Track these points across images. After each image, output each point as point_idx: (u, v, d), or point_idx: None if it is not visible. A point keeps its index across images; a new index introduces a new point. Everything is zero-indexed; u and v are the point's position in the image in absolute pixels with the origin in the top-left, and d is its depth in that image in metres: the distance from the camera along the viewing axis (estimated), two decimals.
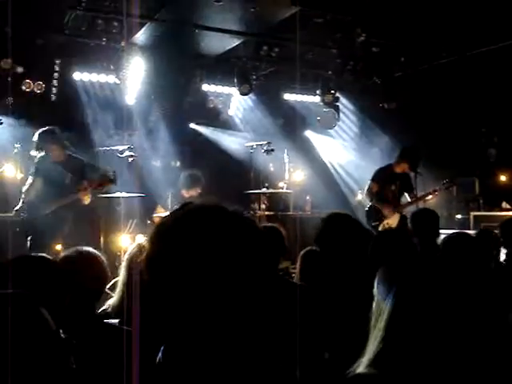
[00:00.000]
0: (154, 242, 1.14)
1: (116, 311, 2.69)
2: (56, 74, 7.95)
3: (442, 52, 8.19)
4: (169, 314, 1.10)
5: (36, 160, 6.18)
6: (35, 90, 7.84)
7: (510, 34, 7.10)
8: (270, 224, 4.73)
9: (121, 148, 6.90)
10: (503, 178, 9.15)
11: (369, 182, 7.16)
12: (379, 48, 7.99)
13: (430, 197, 6.84)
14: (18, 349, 1.22)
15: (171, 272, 1.09)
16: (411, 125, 8.76)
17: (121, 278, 2.77)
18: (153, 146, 8.95)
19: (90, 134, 8.30)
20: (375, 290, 1.60)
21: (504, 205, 8.40)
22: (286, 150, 8.88)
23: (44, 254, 2.10)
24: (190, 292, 1.07)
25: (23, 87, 7.82)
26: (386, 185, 7.03)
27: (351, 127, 10.26)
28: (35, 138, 6.03)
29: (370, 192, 7.15)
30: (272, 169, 9.31)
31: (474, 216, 8.23)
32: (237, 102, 9.76)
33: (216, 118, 9.69)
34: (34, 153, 6.19)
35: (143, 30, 7.30)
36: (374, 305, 1.58)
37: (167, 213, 5.66)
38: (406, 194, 7.09)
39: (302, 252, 3.83)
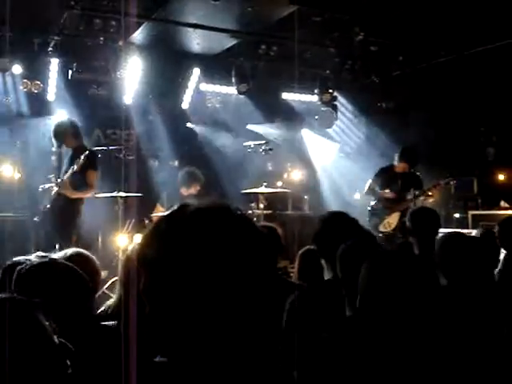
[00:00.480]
0: (149, 243, 1.13)
1: (115, 312, 2.67)
2: (53, 74, 7.93)
3: (440, 51, 8.18)
4: (166, 313, 1.09)
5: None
6: (33, 89, 7.83)
7: (509, 32, 7.10)
8: (266, 223, 4.73)
9: (119, 147, 6.90)
10: (502, 177, 9.15)
11: (370, 180, 7.17)
12: (377, 47, 7.98)
13: (431, 193, 6.87)
14: (14, 355, 1.21)
15: (166, 274, 1.08)
16: (409, 124, 8.76)
17: (119, 279, 2.76)
18: (150, 145, 8.94)
19: (87, 133, 8.28)
20: None
21: (502, 204, 8.40)
22: (283, 150, 8.87)
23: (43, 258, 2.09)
24: (187, 293, 1.06)
25: (21, 87, 7.83)
26: (387, 184, 7.05)
27: (349, 126, 10.26)
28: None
29: (371, 191, 7.16)
30: (270, 168, 9.31)
31: (473, 215, 8.23)
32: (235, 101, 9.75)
33: (214, 118, 9.68)
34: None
35: (141, 29, 7.28)
36: None
37: (166, 212, 5.64)
38: (412, 191, 7.08)
39: (300, 251, 3.82)
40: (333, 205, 8.83)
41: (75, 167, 5.99)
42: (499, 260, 4.05)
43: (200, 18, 7.17)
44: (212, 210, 1.13)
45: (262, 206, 7.37)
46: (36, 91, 7.90)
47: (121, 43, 7.27)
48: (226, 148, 9.47)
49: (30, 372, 1.23)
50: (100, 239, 7.05)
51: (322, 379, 1.73)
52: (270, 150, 7.45)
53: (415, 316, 1.62)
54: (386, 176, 7.07)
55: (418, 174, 7.13)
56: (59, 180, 6.19)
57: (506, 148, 8.78)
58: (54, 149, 6.47)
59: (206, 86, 9.15)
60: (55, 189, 6.21)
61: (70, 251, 2.57)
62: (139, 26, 7.18)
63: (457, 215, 8.80)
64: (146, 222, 7.05)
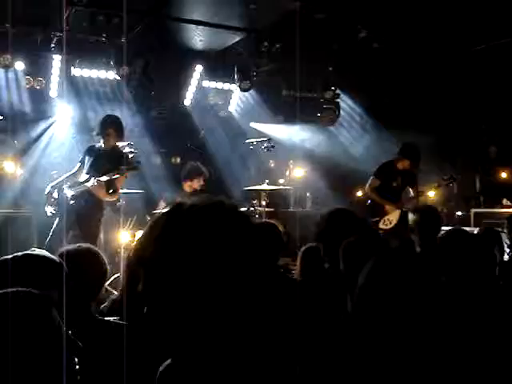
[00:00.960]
0: (145, 243, 1.13)
1: (118, 308, 2.68)
2: (56, 70, 7.93)
3: (443, 48, 8.17)
4: (165, 313, 1.09)
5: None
6: (35, 85, 7.84)
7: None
8: (267, 220, 4.73)
9: (121, 144, 6.89)
10: (504, 175, 9.14)
11: (371, 177, 7.16)
12: (380, 44, 7.97)
13: (432, 192, 6.87)
14: (28, 350, 1.21)
15: (164, 273, 1.08)
16: (412, 121, 8.75)
17: (122, 275, 2.77)
18: (153, 142, 8.94)
19: (90, 130, 8.29)
20: None
21: (505, 202, 8.39)
22: (285, 147, 8.87)
23: (44, 252, 2.09)
24: (185, 292, 1.07)
25: (23, 83, 7.84)
26: (388, 181, 7.03)
27: (352, 124, 10.25)
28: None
29: (371, 188, 7.15)
30: (272, 165, 9.31)
31: (475, 213, 8.21)
32: (237, 99, 9.76)
33: (216, 115, 9.68)
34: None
35: (143, 26, 7.27)
36: None
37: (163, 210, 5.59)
38: (409, 190, 7.09)
39: (302, 248, 3.82)
40: (335, 202, 8.81)
41: (125, 173, 5.65)
42: (501, 258, 4.05)
43: (203, 15, 7.17)
44: (206, 207, 1.13)
45: (264, 203, 7.36)
46: (38, 87, 7.89)
47: (123, 40, 7.26)
48: (228, 145, 9.48)
49: (41, 367, 1.22)
50: (102, 236, 7.06)
51: (324, 374, 1.74)
52: (272, 147, 7.44)
53: (415, 314, 1.62)
54: (386, 172, 7.06)
55: (414, 172, 7.09)
56: (94, 178, 5.71)
57: (509, 146, 8.78)
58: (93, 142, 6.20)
59: (208, 83, 9.15)
60: (87, 184, 5.75)
61: (83, 245, 2.57)
62: (142, 23, 7.18)
63: (459, 213, 8.79)
64: (149, 218, 7.05)
